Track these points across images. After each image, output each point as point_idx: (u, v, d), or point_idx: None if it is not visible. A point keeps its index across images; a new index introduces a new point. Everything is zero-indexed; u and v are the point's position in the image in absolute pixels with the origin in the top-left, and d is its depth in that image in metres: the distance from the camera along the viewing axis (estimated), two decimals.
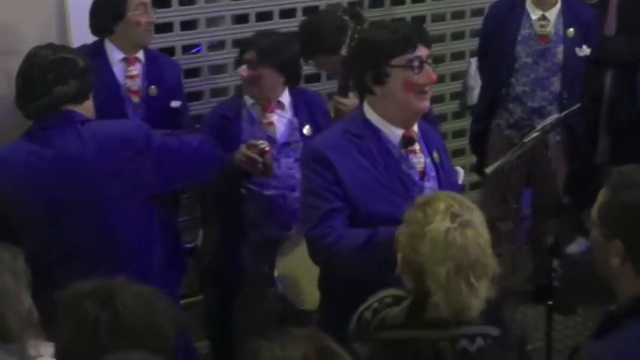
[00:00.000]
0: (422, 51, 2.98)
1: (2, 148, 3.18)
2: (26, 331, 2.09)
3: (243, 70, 3.95)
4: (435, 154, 3.11)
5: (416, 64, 2.95)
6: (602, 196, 2.18)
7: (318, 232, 2.93)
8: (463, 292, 2.29)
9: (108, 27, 4.04)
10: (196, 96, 4.77)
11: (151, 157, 3.10)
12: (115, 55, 4.07)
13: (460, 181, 3.20)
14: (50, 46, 3.22)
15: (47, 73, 3.06)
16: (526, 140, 4.42)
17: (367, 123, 3.03)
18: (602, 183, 2.22)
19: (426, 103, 3.02)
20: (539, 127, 4.45)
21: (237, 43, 4.77)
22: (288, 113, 4.02)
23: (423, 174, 3.05)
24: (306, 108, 4.03)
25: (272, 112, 4.00)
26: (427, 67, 2.97)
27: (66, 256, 2.99)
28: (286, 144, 3.98)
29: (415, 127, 3.08)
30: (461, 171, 3.20)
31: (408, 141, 3.03)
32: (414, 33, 3.01)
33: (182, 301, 4.37)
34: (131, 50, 4.09)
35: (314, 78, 4.91)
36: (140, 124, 3.23)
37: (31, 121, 3.17)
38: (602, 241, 2.15)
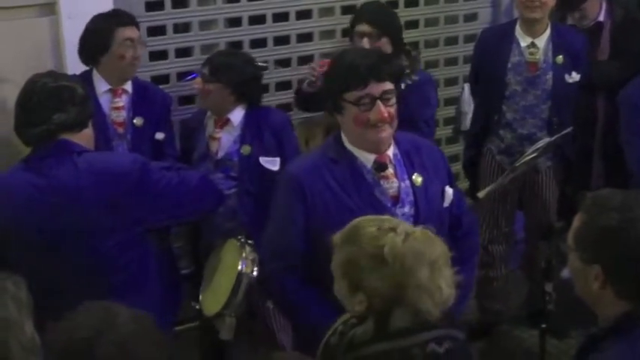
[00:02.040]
0: (374, 88, 2.92)
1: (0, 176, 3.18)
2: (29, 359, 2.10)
3: (198, 83, 4.13)
4: (416, 177, 3.08)
5: (365, 101, 2.92)
6: (577, 221, 2.19)
7: (281, 275, 3.06)
8: (442, 285, 2.33)
9: (94, 58, 4.08)
10: None
11: (147, 192, 3.08)
12: (101, 85, 4.10)
13: (447, 204, 3.18)
14: (50, 74, 3.24)
15: (46, 100, 3.07)
16: (517, 164, 4.44)
17: (344, 147, 3.05)
18: None
19: (383, 134, 2.98)
20: (530, 151, 4.47)
21: None
22: (235, 131, 4.12)
23: (397, 199, 3.04)
24: (256, 128, 4.11)
25: (220, 128, 4.14)
26: (379, 104, 2.92)
27: (59, 287, 2.96)
28: (221, 160, 4.10)
29: (390, 150, 3.07)
30: (450, 191, 3.19)
31: (379, 166, 3.03)
32: (367, 69, 2.93)
33: (178, 328, 4.37)
34: (116, 82, 4.11)
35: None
36: (137, 158, 3.19)
37: (27, 149, 3.17)
38: (580, 265, 2.17)
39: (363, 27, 4.37)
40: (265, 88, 4.63)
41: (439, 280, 2.33)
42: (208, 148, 4.15)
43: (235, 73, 4.06)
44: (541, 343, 3.95)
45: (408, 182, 3.07)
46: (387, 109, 2.94)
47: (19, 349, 2.03)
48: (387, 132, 2.99)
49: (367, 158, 3.03)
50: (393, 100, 2.98)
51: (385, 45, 4.36)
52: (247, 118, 4.13)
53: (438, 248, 2.37)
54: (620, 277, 2.12)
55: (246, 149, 4.08)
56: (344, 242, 2.44)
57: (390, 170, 3.05)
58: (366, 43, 4.30)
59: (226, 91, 4.06)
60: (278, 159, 4.06)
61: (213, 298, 3.77)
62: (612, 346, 2.10)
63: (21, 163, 3.14)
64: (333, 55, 3.15)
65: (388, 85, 2.96)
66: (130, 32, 4.04)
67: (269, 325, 4.01)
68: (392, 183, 3.04)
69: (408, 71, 4.17)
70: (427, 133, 4.34)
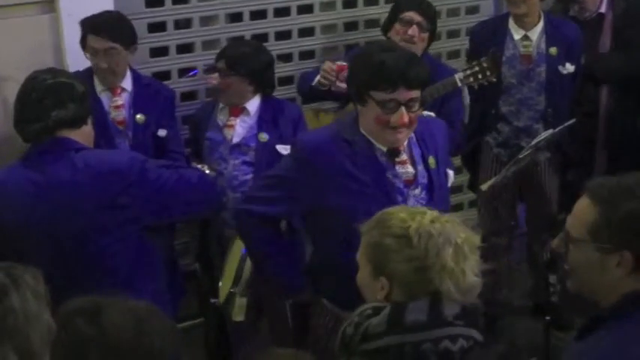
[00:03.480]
0: (402, 94, 2.92)
1: None
2: (47, 350, 2.11)
3: (215, 78, 4.15)
4: (431, 160, 3.11)
5: (390, 105, 2.93)
6: (591, 213, 2.17)
7: (251, 220, 3.21)
8: (467, 270, 2.31)
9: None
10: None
11: (145, 191, 3.07)
12: (100, 83, 4.09)
13: (449, 184, 3.23)
14: (50, 70, 3.25)
15: (45, 97, 3.07)
16: (521, 156, 4.44)
17: (359, 130, 3.06)
18: None
19: (399, 136, 3.00)
20: (533, 143, 4.47)
21: None
22: (251, 119, 4.16)
23: (410, 182, 3.07)
24: (271, 117, 4.16)
25: (236, 116, 4.17)
26: (402, 110, 2.92)
27: (55, 285, 2.94)
28: (237, 145, 4.15)
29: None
30: (451, 173, 3.24)
31: (393, 153, 3.06)
32: (399, 75, 2.92)
33: (182, 325, 4.37)
34: (107, 82, 4.10)
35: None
36: (135, 156, 3.19)
37: (27, 146, 3.17)
38: (596, 256, 2.14)
39: (414, 15, 4.37)
40: None
41: (463, 264, 2.31)
42: (222, 135, 4.18)
43: (252, 63, 4.11)
44: (545, 335, 3.94)
45: (421, 165, 3.10)
46: (409, 115, 2.95)
47: (39, 341, 2.04)
48: (404, 134, 3.02)
49: (382, 145, 3.06)
50: (417, 107, 2.98)
51: (424, 40, 4.39)
52: (263, 106, 4.18)
53: (464, 234, 2.36)
54: None
55: (263, 137, 4.12)
56: (371, 228, 2.43)
57: (404, 156, 3.07)
58: (415, 30, 4.32)
59: (245, 82, 4.11)
60: None
61: (225, 285, 3.86)
62: (614, 326, 2.09)
63: (19, 159, 3.14)
64: (364, 48, 3.15)
65: (415, 93, 2.96)
66: (94, 42, 3.98)
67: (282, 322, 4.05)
68: (407, 169, 3.07)
69: (489, 74, 4.18)
70: (462, 132, 4.41)
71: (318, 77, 4.34)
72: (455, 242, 2.31)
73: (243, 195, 4.06)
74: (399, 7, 4.47)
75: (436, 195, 3.09)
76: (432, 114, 4.14)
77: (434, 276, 2.29)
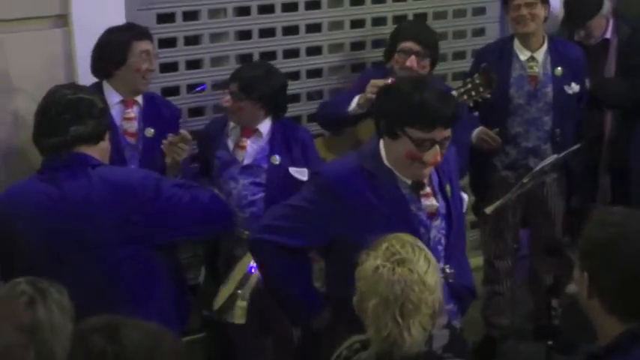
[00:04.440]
0: (438, 133, 2.95)
1: (15, 185, 3.22)
2: None
3: (227, 101, 4.16)
4: (448, 188, 3.14)
5: (426, 144, 2.95)
6: (583, 231, 2.27)
7: (271, 249, 3.18)
8: (389, 327, 2.34)
9: (109, 71, 4.08)
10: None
11: (157, 209, 3.09)
12: (113, 97, 4.07)
13: (464, 209, 3.27)
14: (71, 85, 3.32)
15: (65, 112, 3.11)
16: (525, 181, 4.46)
17: (382, 162, 3.07)
18: None
19: (425, 172, 3.04)
20: (538, 168, 4.49)
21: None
22: (263, 141, 4.17)
23: (433, 214, 3.10)
24: (283, 140, 4.17)
25: (247, 137, 4.18)
26: (436, 148, 2.94)
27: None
28: (248, 166, 4.15)
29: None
30: (465, 197, 3.28)
31: (417, 186, 3.08)
32: (439, 116, 2.93)
33: (184, 339, 4.37)
34: (129, 94, 4.12)
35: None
36: (149, 175, 3.22)
37: (39, 159, 3.19)
38: (578, 274, 2.24)
39: (411, 44, 4.39)
40: None
41: (396, 320, 2.34)
42: (233, 155, 4.18)
43: (264, 88, 4.11)
44: (547, 358, 3.95)
45: (440, 195, 3.13)
46: (441, 152, 2.98)
47: (62, 353, 2.06)
48: (428, 170, 3.05)
49: (406, 177, 3.08)
50: (447, 144, 3.02)
51: (427, 66, 4.40)
52: (274, 128, 4.19)
53: (417, 294, 2.37)
54: (604, 287, 2.16)
55: (275, 159, 4.13)
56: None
57: (428, 189, 3.09)
58: (413, 61, 4.33)
59: (257, 105, 4.11)
60: (306, 170, 4.07)
61: (226, 291, 3.88)
62: None
63: (37, 173, 3.17)
64: (397, 84, 3.13)
65: (449, 132, 2.99)
66: (145, 45, 4.07)
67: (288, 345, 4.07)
68: (432, 201, 3.09)
69: (481, 90, 4.21)
70: (466, 157, 4.38)
71: (356, 100, 4.27)
72: (386, 296, 2.38)
73: (251, 215, 4.08)
74: (397, 38, 4.50)
75: (455, 224, 3.12)
76: None
77: (365, 319, 2.39)
